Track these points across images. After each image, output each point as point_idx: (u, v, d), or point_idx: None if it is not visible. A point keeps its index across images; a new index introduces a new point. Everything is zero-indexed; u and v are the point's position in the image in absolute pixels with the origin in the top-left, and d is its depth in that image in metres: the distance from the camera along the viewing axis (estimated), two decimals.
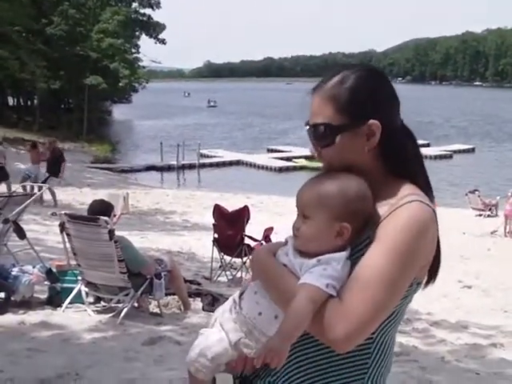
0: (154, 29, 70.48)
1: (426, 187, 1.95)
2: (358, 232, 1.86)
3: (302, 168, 40.80)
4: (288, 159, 45.14)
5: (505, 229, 21.75)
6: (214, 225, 11.31)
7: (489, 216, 25.31)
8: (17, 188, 9.32)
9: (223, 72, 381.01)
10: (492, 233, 21.67)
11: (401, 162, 1.95)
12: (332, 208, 1.84)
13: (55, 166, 20.53)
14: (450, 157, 51.60)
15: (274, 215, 20.70)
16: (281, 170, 42.05)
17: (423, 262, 1.86)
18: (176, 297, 8.32)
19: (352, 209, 1.84)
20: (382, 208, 1.86)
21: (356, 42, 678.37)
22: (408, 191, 1.87)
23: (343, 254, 1.82)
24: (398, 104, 2.00)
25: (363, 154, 1.90)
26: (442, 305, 10.22)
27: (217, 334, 1.95)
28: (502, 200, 25.08)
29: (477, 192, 26.65)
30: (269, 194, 28.88)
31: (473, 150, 55.87)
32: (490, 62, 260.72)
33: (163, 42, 71.42)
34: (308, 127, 1.96)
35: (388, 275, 1.74)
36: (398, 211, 1.81)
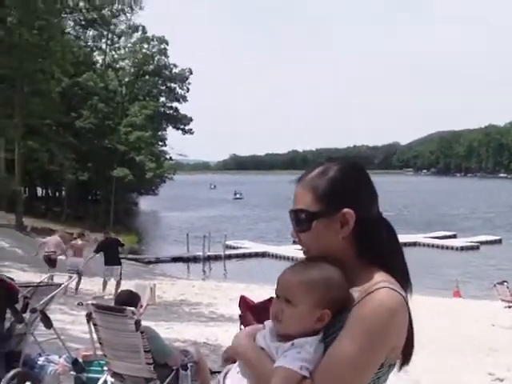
0: (180, 121, 71.93)
1: (401, 276, 2.05)
2: (333, 316, 1.97)
3: None
4: None
5: None
6: (240, 316, 11.22)
7: None
8: (44, 278, 9.35)
9: (248, 164, 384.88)
10: None
11: (374, 250, 2.05)
12: (315, 295, 1.95)
13: (114, 255, 20.84)
14: (477, 248, 51.20)
15: None
16: None
17: (392, 345, 1.94)
18: None
19: (332, 296, 1.96)
20: (354, 294, 1.97)
21: (380, 134, 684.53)
22: (380, 278, 1.97)
23: (316, 338, 1.94)
24: (376, 196, 2.14)
25: (337, 241, 2.03)
26: None
27: None
28: None
29: (505, 283, 26.29)
30: None
31: (500, 241, 55.41)
32: None
33: (190, 132, 72.63)
34: (290, 211, 2.10)
35: (356, 360, 1.85)
36: (368, 297, 1.92)
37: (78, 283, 21.18)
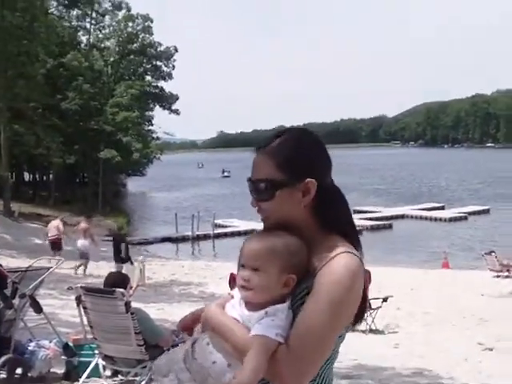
0: (167, 100, 71.58)
1: (354, 241, 2.14)
2: (297, 282, 2.03)
3: None
4: None
5: None
6: (229, 294, 11.27)
7: (507, 277, 25.05)
8: (33, 262, 9.33)
9: (236, 142, 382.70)
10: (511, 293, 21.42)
11: (332, 217, 2.13)
12: (280, 261, 2.02)
13: (118, 253, 20.98)
14: (465, 219, 51.44)
15: None
16: None
17: (355, 306, 2.05)
18: None
19: (296, 261, 2.03)
20: (316, 260, 2.04)
21: (367, 107, 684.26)
22: (338, 243, 2.07)
23: (286, 305, 2.01)
24: (331, 165, 2.21)
25: (299, 210, 2.10)
26: (462, 368, 10.05)
27: (171, 383, 2.06)
28: None
29: (493, 253, 26.45)
30: None
31: (488, 211, 55.70)
32: (500, 123, 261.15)
33: (177, 112, 72.43)
34: (250, 181, 2.15)
35: (327, 323, 1.94)
36: (331, 262, 2.00)
37: (85, 266, 21.99)
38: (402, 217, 52.16)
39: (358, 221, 46.60)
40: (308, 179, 2.08)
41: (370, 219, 48.34)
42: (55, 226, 24.12)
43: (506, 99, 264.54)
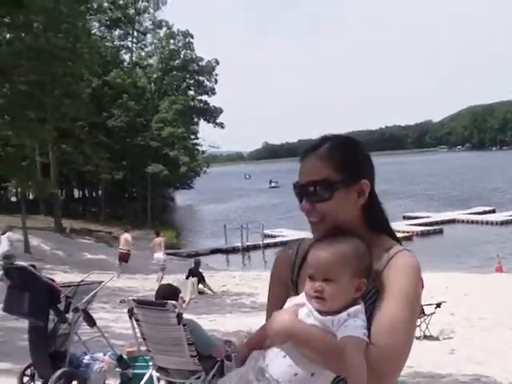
0: (211, 113, 72.03)
1: (397, 239, 2.24)
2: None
3: None
4: None
5: None
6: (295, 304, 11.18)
7: None
8: (85, 276, 9.41)
9: (281, 152, 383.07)
10: None
11: (380, 218, 2.24)
12: (352, 267, 2.02)
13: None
14: None
15: None
16: None
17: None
18: None
19: (364, 265, 2.06)
20: (376, 259, 2.10)
21: (411, 113, 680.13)
22: (392, 243, 2.18)
23: (362, 305, 2.03)
24: (374, 170, 2.28)
25: (354, 210, 2.16)
26: None
27: None
28: None
29: None
30: None
31: None
32: None
33: (222, 125, 72.83)
34: (302, 185, 2.17)
35: (408, 318, 2.01)
36: (394, 260, 2.09)
37: (161, 278, 22.74)
38: (453, 221, 51.52)
39: (409, 227, 46.24)
40: (363, 180, 2.16)
41: (420, 225, 47.87)
42: (125, 238, 25.57)
43: None
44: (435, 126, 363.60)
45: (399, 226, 46.98)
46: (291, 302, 2.12)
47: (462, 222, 52.07)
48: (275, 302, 2.29)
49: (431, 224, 48.69)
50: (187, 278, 21.40)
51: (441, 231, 46.74)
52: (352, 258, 2.02)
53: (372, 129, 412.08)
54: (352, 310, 1.98)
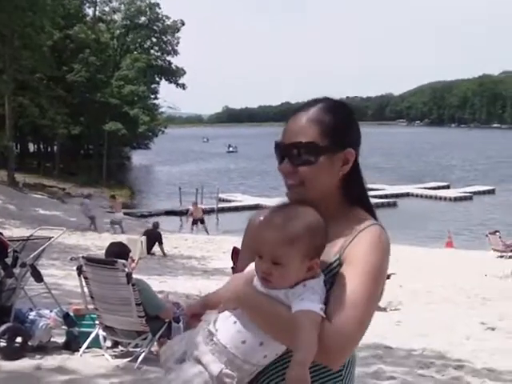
0: (173, 74, 71.31)
1: (373, 213, 2.16)
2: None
3: None
4: None
5: None
6: (232, 268, 11.20)
7: (510, 257, 25.01)
8: (34, 231, 9.28)
9: (242, 117, 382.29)
10: None
11: (359, 191, 2.17)
12: (302, 249, 1.91)
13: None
14: (470, 198, 51.29)
15: None
16: None
17: (385, 277, 2.07)
18: None
19: (317, 243, 1.95)
20: (345, 231, 2.04)
21: (373, 86, 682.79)
22: (365, 216, 2.10)
23: (321, 278, 1.95)
24: (361, 138, 2.19)
25: (335, 179, 2.08)
26: (465, 347, 10.00)
27: (193, 368, 1.93)
28: None
29: (497, 233, 26.39)
30: None
31: (493, 191, 55.46)
32: (507, 104, 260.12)
33: (183, 86, 72.26)
34: (286, 145, 2.07)
35: (368, 294, 1.94)
36: (362, 234, 2.01)
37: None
38: (407, 195, 52.02)
39: None
40: (349, 149, 2.08)
41: (375, 197, 48.13)
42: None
43: None
44: (396, 100, 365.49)
45: None
46: (251, 266, 2.03)
47: (417, 196, 52.60)
48: (243, 269, 2.19)
49: (385, 196, 49.04)
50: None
51: (395, 204, 47.18)
52: (303, 238, 1.91)
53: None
54: (309, 281, 1.92)
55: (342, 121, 2.09)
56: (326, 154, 2.04)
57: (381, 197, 48.50)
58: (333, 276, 1.98)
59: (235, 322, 1.95)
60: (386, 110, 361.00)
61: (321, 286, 1.93)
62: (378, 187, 54.23)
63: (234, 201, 47.99)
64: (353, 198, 2.14)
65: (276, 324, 1.90)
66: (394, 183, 58.43)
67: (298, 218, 1.94)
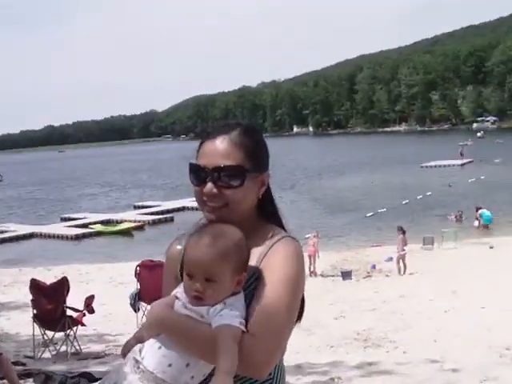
0: None
1: (284, 228, 2.28)
2: None
3: (98, 233, 40.68)
4: (84, 226, 43.90)
5: (309, 268, 22.31)
6: (32, 300, 10.86)
7: None
8: None
9: (4, 144, 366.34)
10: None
11: (272, 209, 2.31)
12: (233, 264, 2.01)
13: None
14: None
15: (79, 284, 20.13)
16: (77, 237, 40.52)
17: (303, 286, 2.15)
18: (5, 381, 7.88)
19: (244, 258, 2.07)
20: (260, 246, 2.14)
21: (136, 103, 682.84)
22: (278, 231, 2.20)
23: (242, 295, 2.04)
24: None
25: (255, 200, 2.22)
26: None
27: None
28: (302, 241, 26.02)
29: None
30: (69, 264, 27.96)
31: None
32: (267, 113, 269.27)
33: None
34: (211, 168, 2.12)
35: (287, 304, 2.01)
36: (275, 247, 2.11)
37: None
38: (183, 209, 52.45)
39: (140, 216, 46.57)
40: (267, 172, 2.24)
41: (152, 214, 48.16)
42: None
43: (270, 90, 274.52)
44: (160, 116, 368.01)
45: (130, 216, 47.17)
46: (172, 293, 2.11)
47: (192, 209, 53.05)
48: None
49: (162, 212, 49.12)
50: None
51: (172, 219, 47.31)
52: (233, 253, 2.01)
53: (97, 119, 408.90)
54: (229, 299, 2.00)
55: (259, 144, 2.23)
56: (250, 177, 2.14)
57: (158, 213, 48.65)
58: (251, 291, 2.06)
59: (160, 347, 2.00)
60: (150, 126, 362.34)
61: (241, 302, 2.01)
62: (153, 204, 54.33)
63: (6, 231, 45.87)
64: (268, 216, 2.26)
65: (199, 343, 1.96)
66: (168, 198, 58.62)
67: (225, 236, 2.03)
